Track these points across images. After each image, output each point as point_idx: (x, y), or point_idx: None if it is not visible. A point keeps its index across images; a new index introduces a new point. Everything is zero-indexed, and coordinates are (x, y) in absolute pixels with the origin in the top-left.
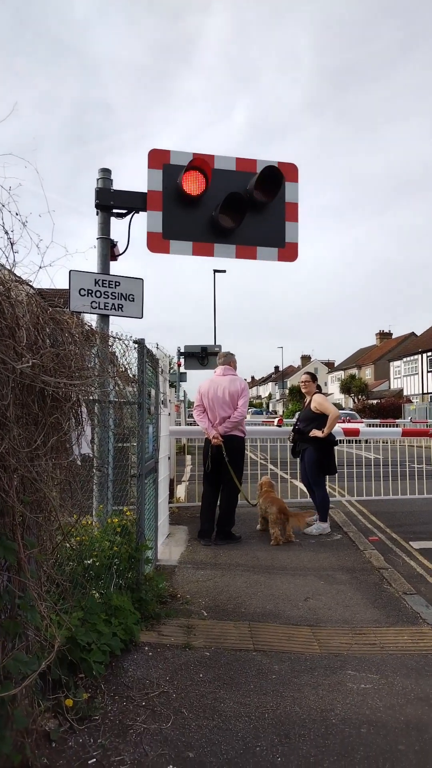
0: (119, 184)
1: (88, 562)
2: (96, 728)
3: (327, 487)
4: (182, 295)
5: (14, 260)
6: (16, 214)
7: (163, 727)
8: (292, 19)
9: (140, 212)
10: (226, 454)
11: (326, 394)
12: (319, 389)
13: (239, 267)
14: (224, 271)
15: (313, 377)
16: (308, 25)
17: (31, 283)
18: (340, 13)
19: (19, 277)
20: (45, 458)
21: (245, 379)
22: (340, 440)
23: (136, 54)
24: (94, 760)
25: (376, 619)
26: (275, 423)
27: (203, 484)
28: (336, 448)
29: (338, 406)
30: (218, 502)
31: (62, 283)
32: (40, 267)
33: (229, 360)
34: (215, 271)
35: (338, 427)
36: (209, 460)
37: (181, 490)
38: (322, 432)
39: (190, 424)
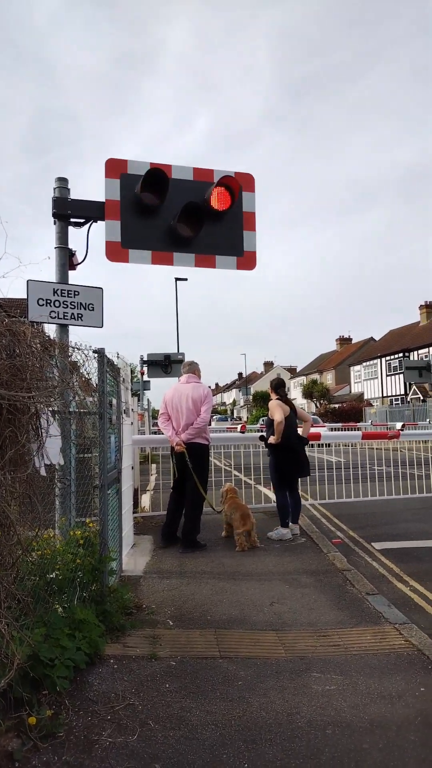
0: (82, 193)
1: (51, 575)
2: (60, 745)
3: (299, 493)
4: (145, 304)
5: None
6: None
7: (129, 740)
8: (252, 30)
9: (98, 221)
10: (189, 461)
11: (287, 400)
12: (280, 395)
13: (201, 275)
14: (186, 279)
15: (276, 384)
16: (268, 37)
17: None
18: (299, 25)
19: None
20: (2, 471)
21: (210, 387)
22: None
23: (97, 63)
24: None
25: (340, 621)
26: (239, 429)
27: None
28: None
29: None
30: (183, 509)
31: (19, 293)
32: None
33: (193, 368)
34: (177, 279)
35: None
36: (174, 468)
37: (145, 500)
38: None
39: (155, 433)
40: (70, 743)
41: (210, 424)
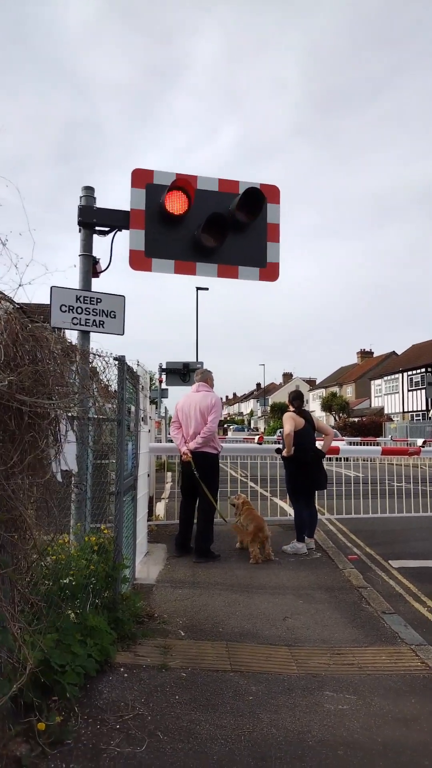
0: (106, 202)
1: (65, 581)
2: (68, 752)
3: (315, 507)
4: (166, 313)
5: None
6: None
7: (137, 751)
8: (280, 44)
9: (123, 230)
10: (196, 471)
11: (303, 412)
12: (295, 407)
13: (222, 285)
14: (207, 289)
15: (294, 396)
16: (296, 50)
17: (12, 300)
18: (327, 39)
19: (1, 293)
20: (21, 476)
21: (227, 396)
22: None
23: (126, 74)
24: None
25: (355, 639)
26: (256, 440)
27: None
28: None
29: None
30: (195, 518)
31: (43, 299)
32: (20, 285)
33: (206, 377)
34: (198, 288)
35: (319, 445)
36: (181, 475)
37: (160, 508)
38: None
39: (171, 441)
40: (78, 751)
41: (226, 434)
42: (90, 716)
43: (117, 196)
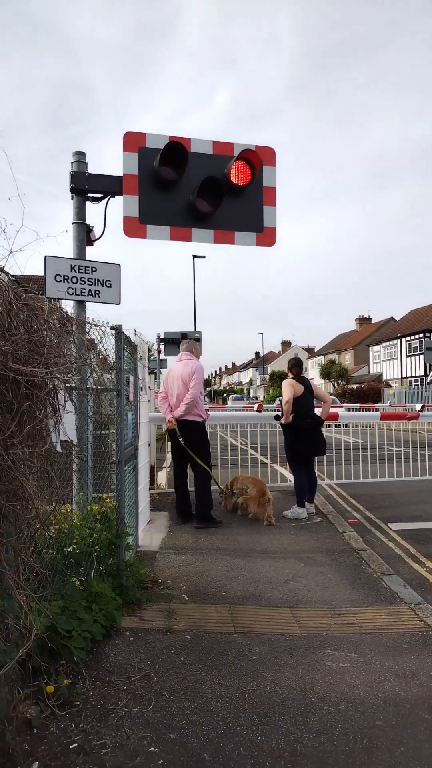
0: (99, 167)
1: (68, 549)
2: (77, 713)
3: (315, 472)
4: (163, 281)
5: None
6: None
7: (144, 710)
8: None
9: (116, 196)
10: (181, 438)
11: (302, 379)
12: (294, 374)
13: (219, 253)
14: (203, 257)
15: (293, 363)
16: (291, 5)
17: (3, 269)
18: None
19: None
20: (20, 446)
21: (225, 366)
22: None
23: (115, 34)
24: (76, 744)
25: (355, 600)
26: (255, 408)
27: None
28: (322, 430)
29: None
30: (188, 482)
31: (37, 270)
32: (11, 252)
33: (191, 347)
34: (194, 256)
35: (318, 412)
36: (167, 441)
37: (161, 477)
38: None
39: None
40: (87, 712)
41: (226, 403)
42: (97, 678)
43: (111, 162)
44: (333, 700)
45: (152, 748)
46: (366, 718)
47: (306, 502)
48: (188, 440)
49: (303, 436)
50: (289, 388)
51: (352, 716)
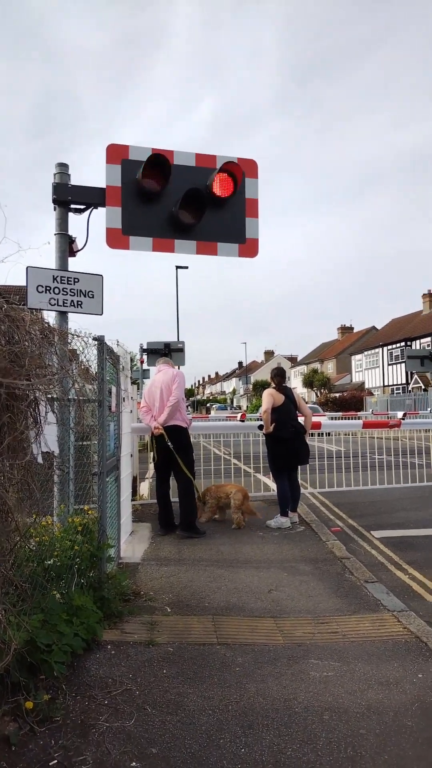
0: (84, 175)
1: (49, 562)
2: (57, 729)
3: (298, 481)
4: (145, 292)
5: None
6: None
7: (126, 725)
8: (260, 10)
9: (99, 208)
10: (170, 443)
11: (284, 389)
12: (278, 384)
13: (202, 263)
14: (186, 268)
15: (275, 373)
16: (275, 18)
17: None
18: (307, 5)
19: None
20: (0, 458)
21: (209, 375)
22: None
23: (100, 43)
24: (56, 761)
25: (339, 608)
26: (239, 418)
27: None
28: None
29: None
30: (170, 493)
31: (18, 280)
32: None
33: (166, 361)
34: (177, 267)
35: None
36: (154, 451)
37: (144, 488)
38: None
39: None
40: (67, 727)
41: (209, 413)
42: (78, 693)
43: (96, 171)
44: (317, 710)
45: (134, 764)
46: (350, 727)
47: (289, 511)
48: (175, 445)
49: (284, 446)
50: (268, 398)
51: (336, 726)
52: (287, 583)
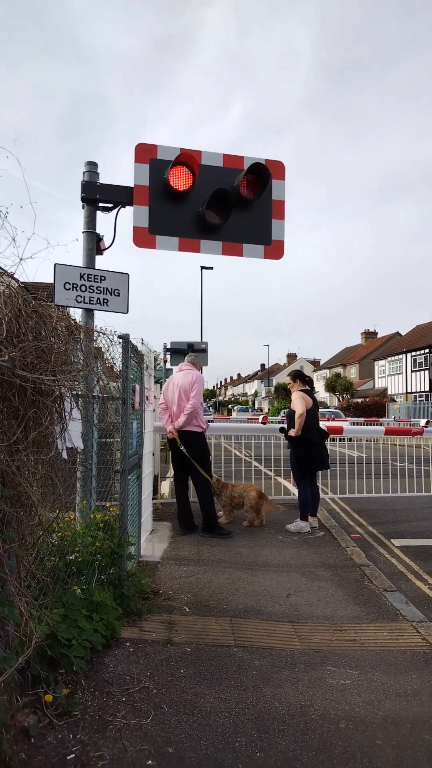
0: (113, 177)
1: (70, 557)
2: (75, 724)
3: (318, 486)
4: (171, 292)
5: None
6: None
7: (143, 723)
8: (291, 14)
9: (127, 206)
10: (183, 448)
11: (311, 392)
12: (306, 387)
13: (227, 264)
14: (211, 268)
15: (297, 376)
16: (308, 21)
17: (14, 275)
18: (339, 9)
19: (2, 269)
20: (25, 452)
21: (231, 377)
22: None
23: (133, 46)
24: (73, 755)
25: (357, 616)
26: (260, 420)
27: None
28: (326, 444)
29: (323, 404)
30: (189, 494)
31: (47, 277)
32: (21, 259)
33: (194, 360)
34: (202, 267)
35: (323, 425)
36: (168, 452)
37: (165, 487)
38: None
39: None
40: (85, 722)
41: (231, 414)
42: (96, 689)
43: (124, 172)
44: (333, 718)
45: (150, 762)
46: (366, 737)
47: (309, 516)
48: (189, 450)
49: (311, 450)
50: (301, 401)
51: (352, 735)
52: (306, 588)
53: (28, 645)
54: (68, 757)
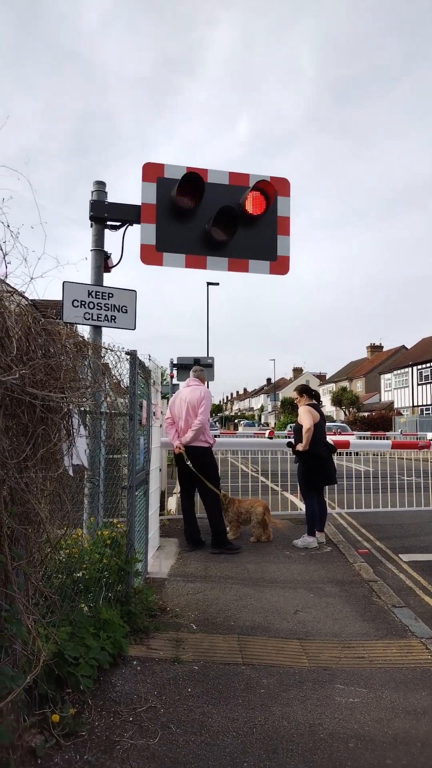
0: (119, 195)
1: (78, 574)
2: (82, 744)
3: (325, 500)
4: (177, 308)
5: (6, 271)
6: (8, 226)
7: (150, 743)
8: (295, 32)
9: (134, 224)
10: (190, 464)
11: (317, 406)
12: (313, 401)
13: (233, 280)
14: (217, 284)
15: (304, 390)
16: (311, 39)
17: (23, 294)
18: (342, 27)
19: (12, 287)
20: (34, 469)
21: (237, 391)
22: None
23: (140, 65)
24: None
25: (365, 633)
26: (267, 435)
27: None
28: (334, 458)
29: (329, 418)
30: (196, 510)
31: (55, 295)
32: (32, 278)
33: (200, 375)
34: (208, 283)
35: (330, 439)
36: (175, 467)
37: (172, 503)
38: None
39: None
40: (92, 743)
41: (237, 429)
42: (103, 708)
43: (131, 189)
44: (342, 737)
45: None
46: (376, 757)
47: (316, 531)
48: (196, 466)
49: (319, 464)
50: (308, 416)
51: (362, 754)
52: (313, 604)
53: (35, 663)
54: None
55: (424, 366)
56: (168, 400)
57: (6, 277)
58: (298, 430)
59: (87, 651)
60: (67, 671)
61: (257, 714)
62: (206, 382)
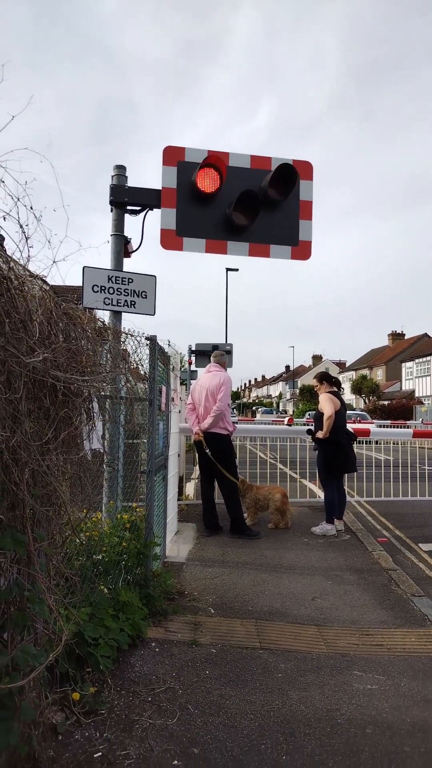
0: (140, 181)
1: (97, 557)
2: (102, 722)
3: (344, 488)
4: (196, 293)
5: (29, 255)
6: (31, 208)
7: (168, 723)
8: (319, 16)
9: (154, 209)
10: (207, 450)
11: (338, 393)
12: (334, 388)
13: (252, 266)
14: (237, 270)
15: (324, 378)
16: (335, 24)
17: (44, 278)
18: (367, 11)
19: (33, 273)
20: (56, 452)
21: (255, 378)
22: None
23: (161, 51)
24: (100, 753)
25: (384, 621)
26: (285, 422)
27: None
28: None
29: (349, 406)
30: (215, 495)
31: (76, 280)
32: (54, 262)
33: (221, 360)
34: (228, 269)
35: (350, 427)
36: (196, 454)
37: (189, 488)
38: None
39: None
40: (112, 721)
41: (255, 416)
42: (123, 688)
43: (151, 176)
44: (360, 723)
45: (176, 762)
46: (393, 744)
47: (335, 519)
48: (214, 452)
49: (339, 452)
50: (330, 403)
51: (379, 741)
52: (331, 591)
53: (57, 643)
54: (95, 755)
55: None
56: (186, 386)
57: (29, 260)
58: (318, 417)
59: (107, 632)
60: (87, 651)
61: (275, 698)
62: (225, 367)
